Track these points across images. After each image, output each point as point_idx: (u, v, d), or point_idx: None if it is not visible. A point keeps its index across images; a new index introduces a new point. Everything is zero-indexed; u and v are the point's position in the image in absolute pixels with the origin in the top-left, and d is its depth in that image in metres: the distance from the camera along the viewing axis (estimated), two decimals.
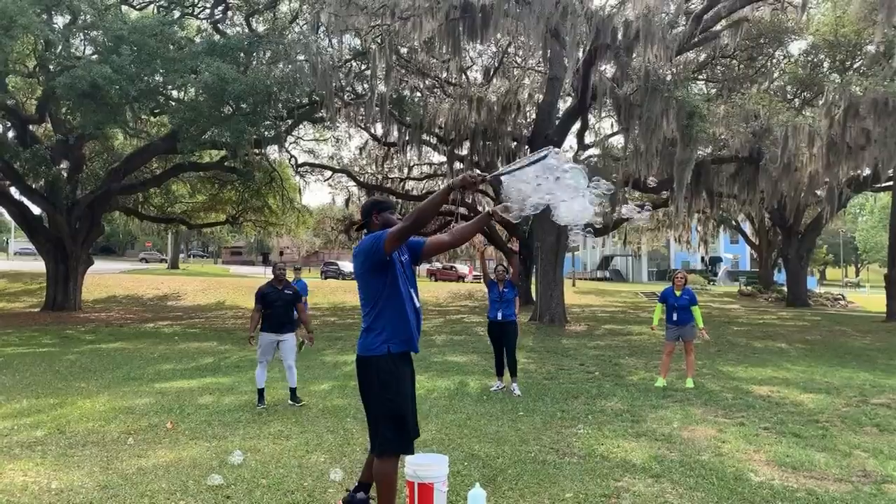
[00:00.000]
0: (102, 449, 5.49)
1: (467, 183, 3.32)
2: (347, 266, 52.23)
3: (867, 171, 20.09)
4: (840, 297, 37.37)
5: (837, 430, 6.37)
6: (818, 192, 21.41)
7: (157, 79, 17.32)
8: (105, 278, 31.84)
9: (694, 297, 8.99)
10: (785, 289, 34.39)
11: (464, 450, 5.48)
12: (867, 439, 6.03)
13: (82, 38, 19.21)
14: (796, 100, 25.02)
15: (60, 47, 17.40)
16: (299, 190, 28.20)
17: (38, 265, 28.51)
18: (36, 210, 23.52)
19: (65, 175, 21.64)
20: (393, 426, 3.56)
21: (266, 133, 19.43)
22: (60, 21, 19.90)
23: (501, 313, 8.33)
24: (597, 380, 9.31)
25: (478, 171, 3.43)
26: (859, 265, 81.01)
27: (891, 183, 22.57)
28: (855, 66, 24.57)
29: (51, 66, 18.14)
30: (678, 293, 8.94)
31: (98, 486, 4.52)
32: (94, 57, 17.25)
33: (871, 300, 37.11)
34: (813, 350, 13.99)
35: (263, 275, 48.36)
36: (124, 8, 21.07)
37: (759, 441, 5.91)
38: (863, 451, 5.62)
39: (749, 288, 40.24)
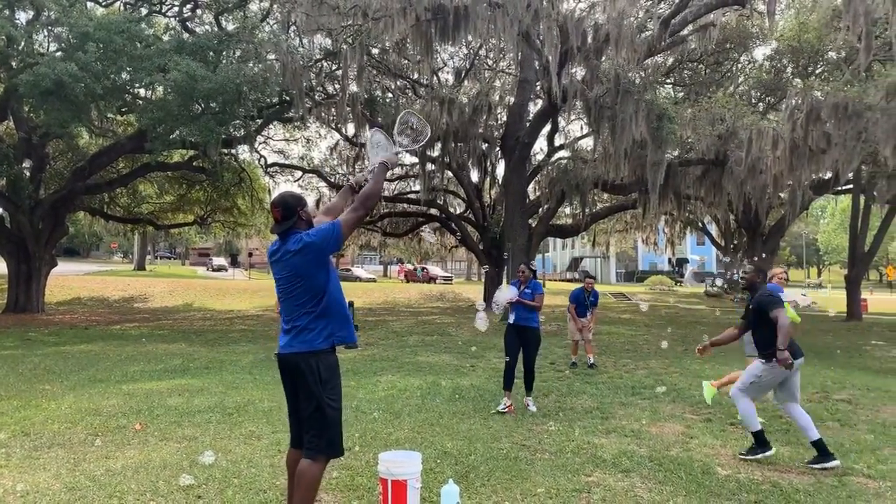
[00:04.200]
0: (69, 451, 5.39)
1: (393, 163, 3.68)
2: None
3: (828, 175, 20.62)
4: (803, 296, 38.24)
5: None
6: (782, 195, 21.91)
7: (123, 77, 17.03)
8: (69, 280, 31.20)
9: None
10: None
11: (436, 447, 5.50)
12: (829, 434, 6.19)
13: (46, 34, 18.81)
14: (761, 104, 25.58)
15: (23, 43, 17.00)
16: (269, 190, 27.95)
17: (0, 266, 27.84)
18: None
19: (27, 174, 21.15)
20: (338, 427, 3.46)
21: (236, 133, 19.24)
22: (23, 17, 19.48)
23: (515, 316, 7.23)
24: (567, 378, 9.40)
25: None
26: (821, 266, 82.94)
27: (850, 186, 23.18)
28: (817, 71, 25.23)
29: (13, 63, 17.74)
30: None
31: (65, 487, 4.45)
32: (59, 54, 16.90)
33: (832, 300, 38.01)
34: None
35: (233, 277, 47.81)
36: (90, 4, 20.68)
37: (725, 436, 6.05)
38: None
39: (715, 289, 40.97)
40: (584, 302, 10.78)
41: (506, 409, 6.96)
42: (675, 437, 6.00)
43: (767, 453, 5.20)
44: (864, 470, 5.01)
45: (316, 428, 3.42)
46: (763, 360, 5.25)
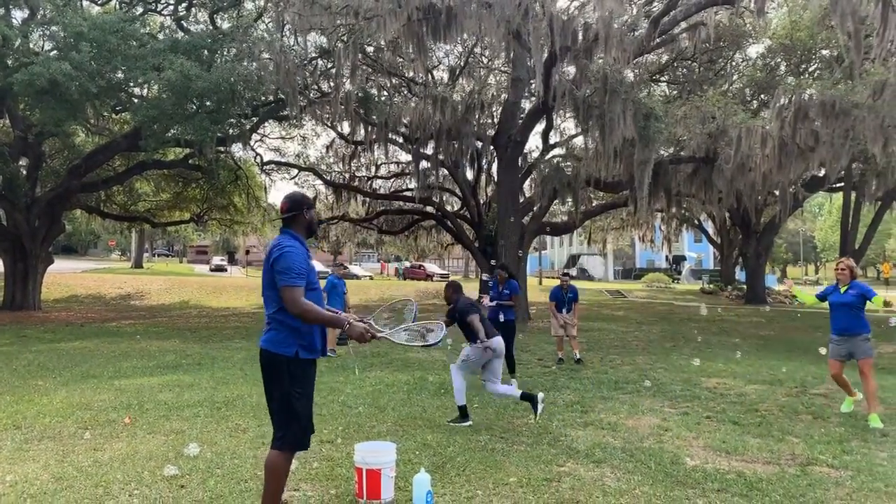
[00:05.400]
0: (59, 443, 5.54)
1: (363, 338, 3.53)
2: (317, 265, 52.26)
3: (822, 172, 20.76)
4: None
5: (774, 417, 6.70)
6: (776, 192, 22.03)
7: (118, 76, 17.14)
8: (66, 277, 31.34)
9: (867, 289, 6.56)
10: (745, 286, 35.24)
11: (417, 440, 5.66)
12: (801, 426, 6.36)
13: (41, 33, 18.90)
14: (755, 101, 25.70)
15: (18, 42, 17.12)
16: (265, 188, 28.08)
17: None
18: None
19: (24, 172, 21.27)
20: (301, 423, 3.57)
21: (231, 131, 19.34)
22: (19, 16, 19.59)
23: (494, 312, 8.77)
24: (552, 374, 9.56)
25: (374, 334, 3.65)
26: (818, 263, 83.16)
27: (842, 183, 23.31)
28: (810, 69, 25.36)
29: (8, 62, 17.86)
30: (843, 289, 6.65)
31: (53, 477, 4.60)
32: (54, 53, 17.01)
33: None
34: (765, 345, 14.47)
35: (230, 274, 47.96)
36: (85, 3, 20.79)
37: (699, 429, 6.20)
38: (795, 436, 5.94)
39: (711, 286, 41.14)
40: (562, 299, 11.00)
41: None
42: (650, 429, 6.15)
43: (466, 423, 6.27)
44: (829, 460, 5.16)
45: (283, 419, 3.56)
46: (471, 345, 6.55)
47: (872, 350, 6.57)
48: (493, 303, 8.66)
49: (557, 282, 11.63)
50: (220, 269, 55.31)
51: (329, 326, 3.62)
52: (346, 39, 18.12)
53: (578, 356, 10.88)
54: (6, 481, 4.52)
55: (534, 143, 37.35)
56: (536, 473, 4.73)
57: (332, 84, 20.28)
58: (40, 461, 5.00)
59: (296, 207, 3.72)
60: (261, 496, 3.68)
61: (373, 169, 29.12)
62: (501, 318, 8.76)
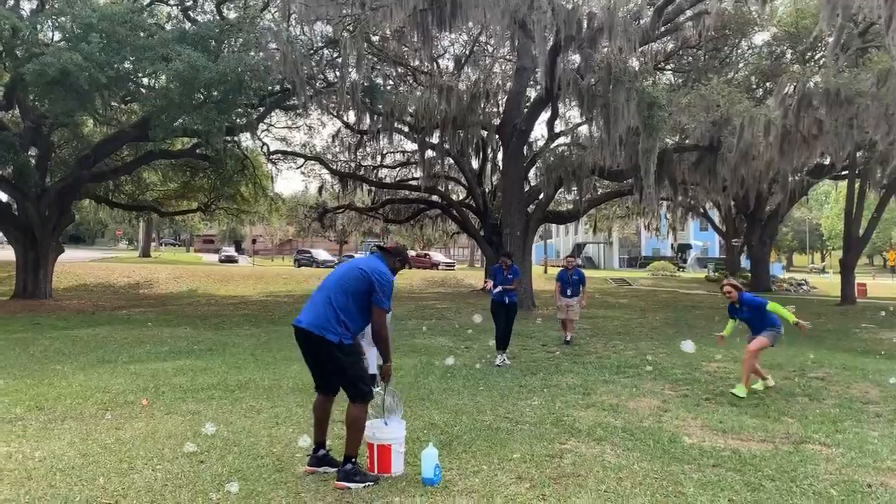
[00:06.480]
0: (81, 423, 5.78)
1: (388, 377, 4.70)
2: (322, 254, 52.35)
3: (826, 161, 20.82)
4: (803, 282, 38.50)
5: (772, 399, 6.89)
6: (779, 180, 22.08)
7: (127, 66, 17.30)
8: (76, 266, 31.66)
9: (755, 303, 7.52)
10: (750, 274, 35.31)
11: (424, 420, 5.87)
12: (797, 407, 6.55)
13: (50, 24, 19.07)
14: (760, 90, 25.71)
15: (28, 33, 17.29)
16: (271, 178, 28.26)
17: (7, 253, 28.29)
18: (3, 197, 23.35)
19: (34, 162, 21.49)
20: (366, 380, 4.53)
21: (238, 121, 19.49)
22: (28, 7, 19.76)
23: (501, 295, 9.53)
24: (556, 358, 9.76)
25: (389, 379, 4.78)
26: (825, 252, 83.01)
27: (846, 172, 23.35)
28: (816, 57, 25.33)
29: (18, 53, 18.03)
30: (737, 306, 7.64)
31: (79, 454, 4.83)
32: (63, 44, 17.18)
33: (834, 285, 38.24)
34: None
35: (238, 263, 48.21)
36: None
37: (698, 410, 6.40)
38: (790, 417, 6.13)
39: (716, 274, 41.21)
40: (568, 281, 11.21)
41: (501, 364, 8.98)
42: (650, 410, 6.35)
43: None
44: (822, 439, 5.35)
45: (354, 385, 4.43)
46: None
47: (767, 339, 7.29)
48: (499, 288, 9.15)
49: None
50: (230, 259, 53.59)
51: (382, 353, 4.64)
52: (351, 29, 18.25)
53: (569, 338, 11.25)
54: (35, 457, 4.76)
55: (539, 131, 37.38)
56: (539, 450, 4.94)
57: (338, 74, 20.41)
58: (65, 439, 5.24)
59: (397, 253, 4.80)
60: (345, 444, 4.40)
61: (378, 158, 29.28)
62: (506, 300, 9.46)
